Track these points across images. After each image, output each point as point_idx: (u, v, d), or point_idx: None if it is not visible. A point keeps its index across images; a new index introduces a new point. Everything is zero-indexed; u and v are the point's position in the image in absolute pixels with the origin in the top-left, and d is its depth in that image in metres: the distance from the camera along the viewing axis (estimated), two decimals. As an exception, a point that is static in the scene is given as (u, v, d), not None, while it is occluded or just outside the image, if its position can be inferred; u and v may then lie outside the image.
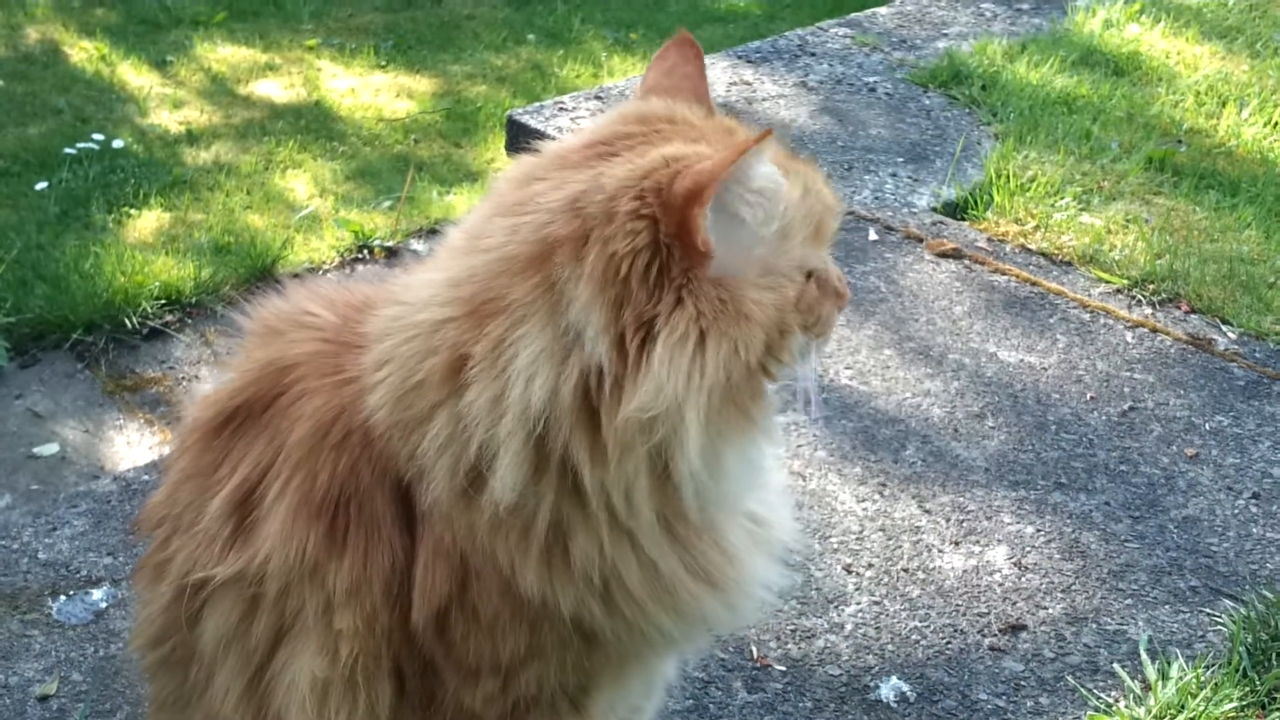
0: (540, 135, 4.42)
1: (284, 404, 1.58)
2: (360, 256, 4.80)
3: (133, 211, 4.90)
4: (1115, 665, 2.39)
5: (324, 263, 4.71)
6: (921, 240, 3.84)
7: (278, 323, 1.68)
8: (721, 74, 4.96)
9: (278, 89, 6.29)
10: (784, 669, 2.36)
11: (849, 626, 2.48)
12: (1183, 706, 2.27)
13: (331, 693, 1.54)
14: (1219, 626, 2.50)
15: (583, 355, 1.36)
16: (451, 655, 1.53)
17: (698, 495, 1.44)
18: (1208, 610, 2.55)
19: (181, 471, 1.67)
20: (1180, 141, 4.68)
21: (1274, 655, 2.40)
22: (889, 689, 2.34)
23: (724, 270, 1.38)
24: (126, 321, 4.13)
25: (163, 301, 4.26)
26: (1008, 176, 4.19)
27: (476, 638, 1.50)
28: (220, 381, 1.70)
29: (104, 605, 2.43)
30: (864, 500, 2.79)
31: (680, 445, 1.38)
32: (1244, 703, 2.29)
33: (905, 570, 2.61)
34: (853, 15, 5.76)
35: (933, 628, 2.48)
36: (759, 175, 1.38)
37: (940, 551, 2.66)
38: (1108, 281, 3.69)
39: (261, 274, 4.54)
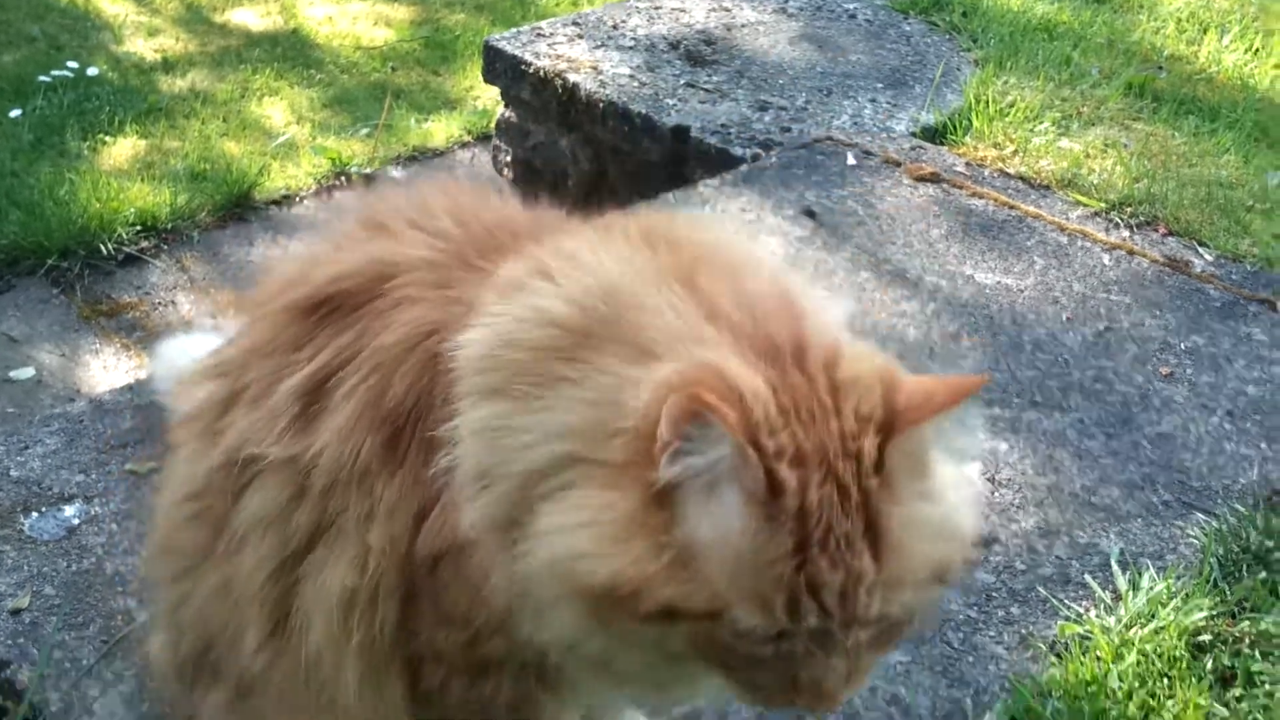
0: (518, 61, 4.39)
1: (381, 306, 1.52)
2: (337, 183, 4.78)
3: (108, 139, 4.87)
4: (1086, 576, 2.40)
5: (301, 189, 4.70)
6: (900, 165, 3.83)
7: (391, 220, 1.62)
8: (701, 0, 4.93)
9: (254, 17, 6.23)
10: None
11: (822, 541, 2.48)
12: (1153, 615, 2.28)
13: (356, 604, 1.51)
14: (1191, 540, 2.52)
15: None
16: (434, 595, 1.51)
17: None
18: (1180, 524, 2.56)
19: (258, 341, 1.61)
20: (1160, 68, 4.67)
21: (1244, 567, 2.42)
22: (861, 601, 2.35)
23: (672, 503, 1.24)
24: (102, 247, 4.12)
25: (138, 228, 4.24)
26: (987, 102, 4.17)
27: (456, 591, 1.47)
28: (315, 256, 1.65)
29: (76, 521, 2.42)
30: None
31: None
32: (1214, 612, 2.31)
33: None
34: (834, -58, 5.72)
35: (906, 542, 2.48)
36: (731, 464, 1.22)
37: (914, 468, 2.66)
38: (1086, 205, 3.68)
39: (238, 200, 4.52)
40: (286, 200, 4.63)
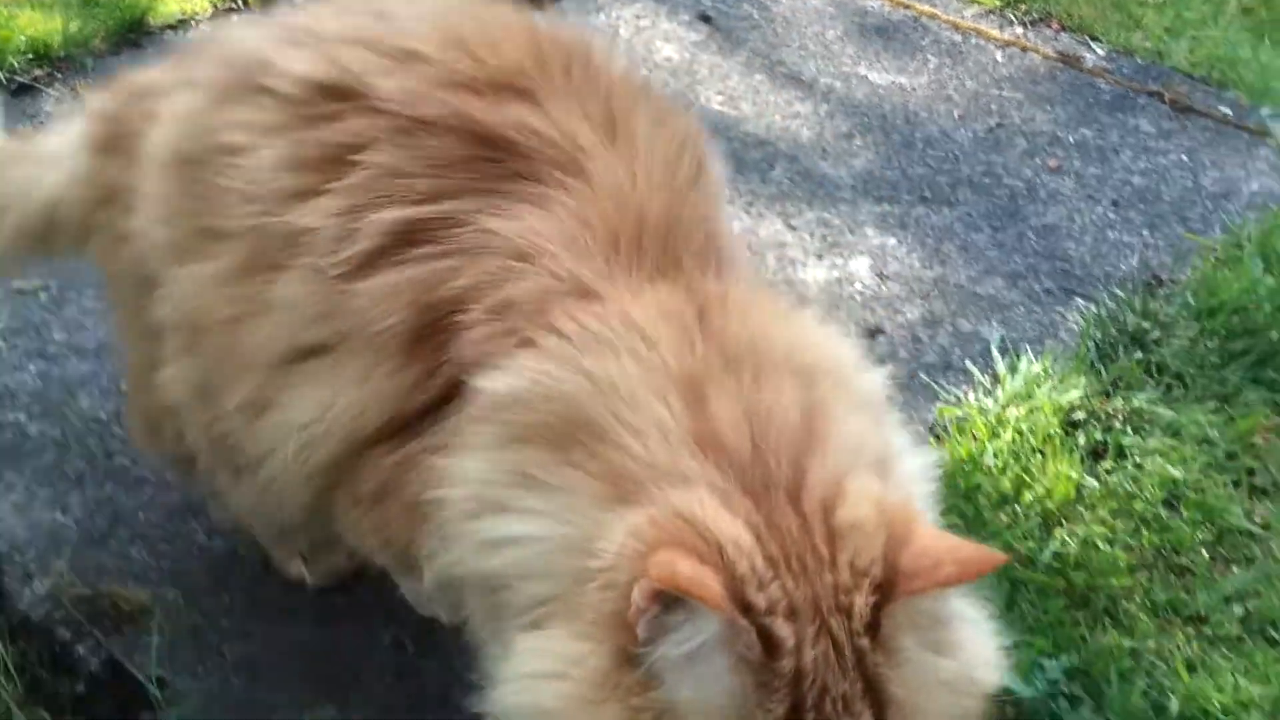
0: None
1: (530, 190, 1.42)
2: (235, 6, 4.69)
3: (-5, -34, 4.74)
4: (967, 362, 2.47)
5: (197, 14, 4.59)
6: (797, -32, 3.81)
7: (631, 123, 1.49)
8: None
9: None
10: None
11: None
12: (1029, 396, 2.35)
13: (302, 432, 1.48)
14: (1070, 325, 2.59)
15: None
16: (376, 519, 1.51)
17: None
18: (1060, 310, 2.62)
19: (413, 114, 1.47)
20: None
21: (1121, 348, 2.49)
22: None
23: (648, 662, 1.14)
24: (-7, 77, 4.04)
25: (30, 56, 4.13)
26: (885, -98, 4.14)
27: (396, 531, 1.48)
28: (539, 62, 1.51)
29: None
30: (730, 219, 2.81)
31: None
32: (1090, 392, 2.38)
33: (769, 283, 2.65)
34: None
35: (794, 336, 2.53)
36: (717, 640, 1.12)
37: (804, 265, 2.71)
38: (980, 3, 3.68)
39: (132, 26, 4.40)
40: (183, 25, 4.51)
